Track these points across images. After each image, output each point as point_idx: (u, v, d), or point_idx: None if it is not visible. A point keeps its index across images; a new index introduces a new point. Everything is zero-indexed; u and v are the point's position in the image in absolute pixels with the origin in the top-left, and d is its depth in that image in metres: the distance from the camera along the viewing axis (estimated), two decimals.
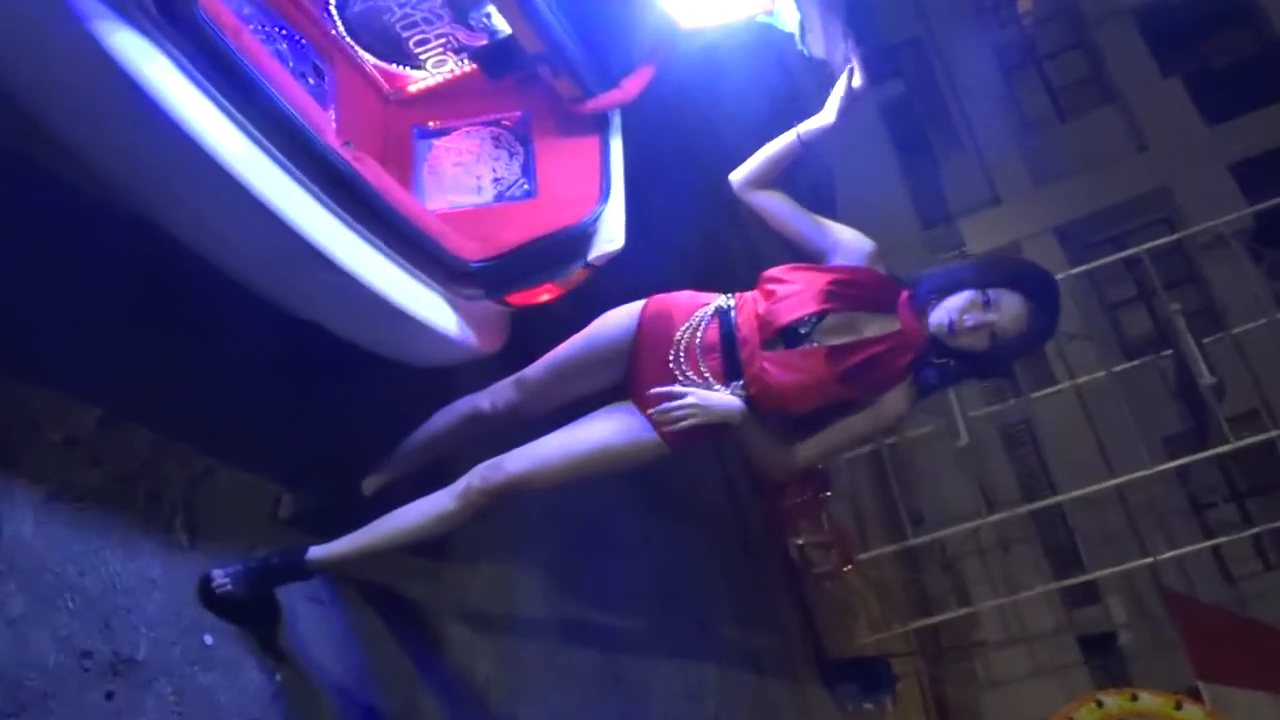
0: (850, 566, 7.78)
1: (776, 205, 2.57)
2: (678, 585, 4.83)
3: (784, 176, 2.57)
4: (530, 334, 2.87)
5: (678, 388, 2.42)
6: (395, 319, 2.43)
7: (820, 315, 2.41)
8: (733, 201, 2.62)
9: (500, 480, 2.38)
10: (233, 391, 2.52)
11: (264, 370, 2.63)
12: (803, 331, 2.40)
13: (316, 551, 2.37)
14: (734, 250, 7.93)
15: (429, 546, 3.00)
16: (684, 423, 2.38)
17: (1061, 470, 10.88)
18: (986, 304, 2.32)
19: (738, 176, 2.59)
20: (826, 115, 2.50)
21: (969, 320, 2.32)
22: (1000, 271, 2.38)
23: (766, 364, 2.40)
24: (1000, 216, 14.52)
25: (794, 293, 2.44)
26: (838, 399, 2.39)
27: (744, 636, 5.61)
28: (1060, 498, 9.56)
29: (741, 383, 2.42)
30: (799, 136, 2.52)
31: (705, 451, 5.98)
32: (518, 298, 2.75)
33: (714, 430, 2.43)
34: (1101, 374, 9.63)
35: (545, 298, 2.79)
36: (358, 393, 2.84)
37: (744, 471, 6.73)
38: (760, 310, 2.47)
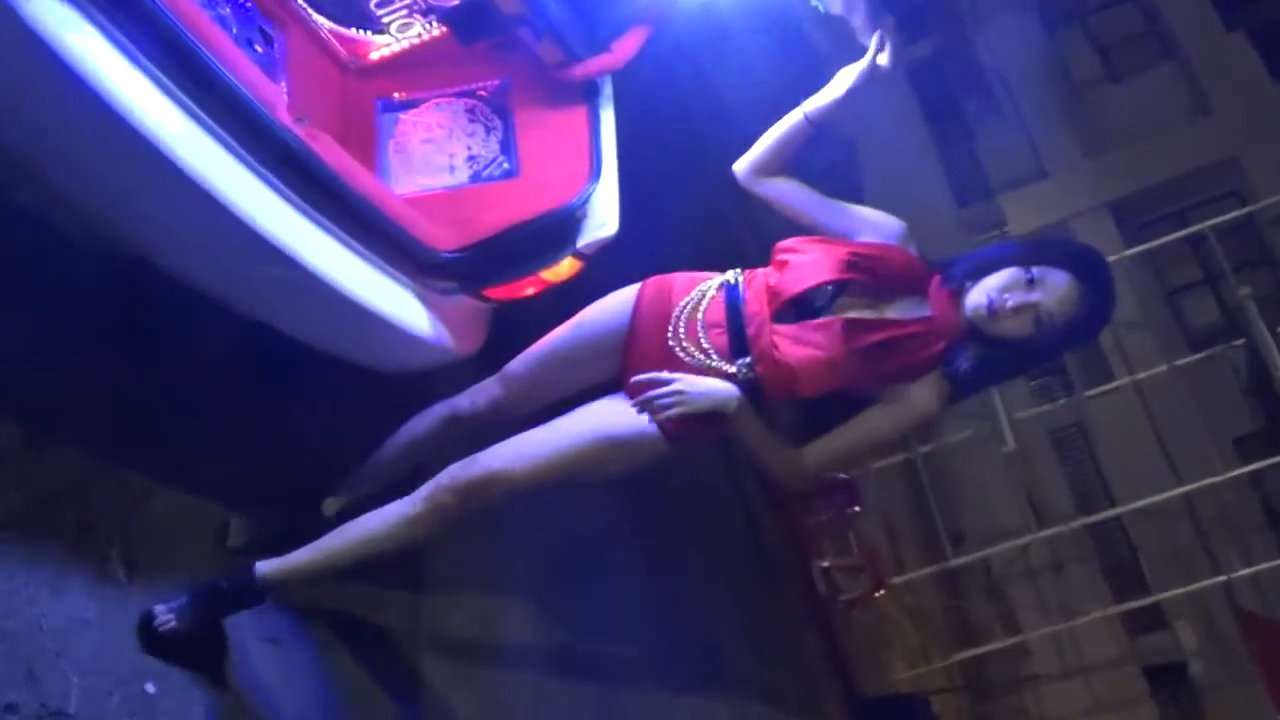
0: (882, 591, 7.77)
1: (788, 192, 2.57)
2: (684, 614, 4.82)
3: (797, 156, 2.56)
4: (513, 334, 2.86)
5: (665, 374, 2.40)
6: (358, 318, 2.42)
7: (839, 286, 2.39)
8: (740, 187, 2.62)
9: (472, 476, 2.35)
10: (174, 403, 2.51)
11: (210, 378, 2.62)
12: (818, 304, 2.39)
13: (266, 566, 2.34)
14: (743, 233, 7.92)
15: (402, 572, 3.01)
16: (669, 412, 2.36)
17: (1120, 479, 10.88)
18: (1030, 283, 2.30)
19: (742, 165, 2.60)
20: (836, 89, 2.50)
21: (1010, 301, 2.29)
22: (1046, 249, 2.37)
23: (776, 338, 2.39)
24: (1046, 192, 14.51)
25: (810, 261, 2.43)
26: (854, 382, 2.36)
27: (761, 672, 5.60)
28: (1120, 509, 9.56)
29: (748, 360, 2.40)
30: (806, 116, 2.52)
31: (715, 461, 5.97)
32: (498, 292, 2.74)
33: (716, 424, 2.42)
34: (1163, 368, 9.63)
35: (529, 292, 2.79)
36: (317, 403, 2.83)
37: (760, 484, 6.72)
38: (771, 281, 2.46)
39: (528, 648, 3.54)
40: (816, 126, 2.52)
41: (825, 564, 7.41)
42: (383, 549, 2.39)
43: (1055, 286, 2.30)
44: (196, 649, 2.29)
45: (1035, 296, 2.29)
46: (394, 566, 2.94)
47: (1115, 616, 10.77)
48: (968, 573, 10.72)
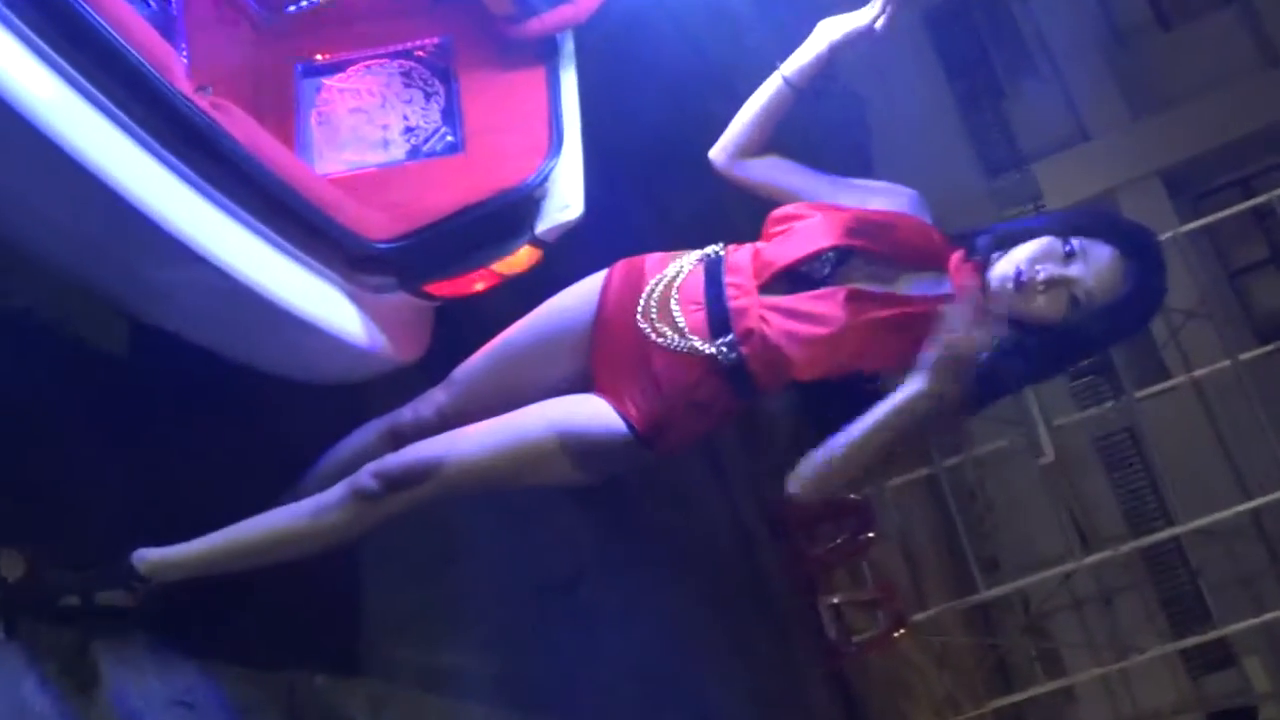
0: (903, 630, 7.77)
1: (776, 170, 2.59)
2: (670, 667, 4.81)
3: (781, 128, 2.57)
4: (461, 337, 2.85)
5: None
6: (275, 322, 2.41)
7: (842, 254, 2.38)
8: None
9: (402, 461, 2.36)
10: (37, 437, 2.47)
11: (85, 405, 2.59)
12: (818, 275, 2.39)
13: (149, 553, 2.34)
14: (736, 214, 7.91)
15: (335, 620, 2.99)
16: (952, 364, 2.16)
17: (1178, 493, 10.87)
18: (1069, 255, 2.29)
19: (720, 151, 2.64)
20: (818, 44, 2.51)
21: (1043, 273, 2.28)
22: (1089, 218, 2.36)
23: (766, 312, 2.37)
24: (1087, 158, 14.55)
25: (808, 228, 2.43)
26: (858, 364, 2.35)
27: None
28: (1178, 529, 9.58)
29: (730, 338, 2.38)
30: (786, 79, 2.53)
31: (704, 481, 5.96)
32: (442, 288, 2.74)
33: (699, 423, 2.40)
34: (1226, 363, 9.66)
35: (479, 287, 2.78)
36: (222, 425, 2.81)
37: (758, 508, 6.72)
38: (762, 252, 2.45)
39: (487, 712, 3.52)
40: (800, 90, 2.52)
41: (835, 600, 7.41)
42: (285, 544, 2.39)
43: (1097, 261, 2.29)
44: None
45: (1073, 271, 2.28)
46: (324, 614, 2.95)
47: (1175, 654, 10.80)
48: (1002, 606, 10.74)
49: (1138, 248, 2.32)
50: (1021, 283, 2.29)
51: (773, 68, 2.56)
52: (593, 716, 4.08)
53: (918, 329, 2.31)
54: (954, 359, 2.16)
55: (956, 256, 2.41)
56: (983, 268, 2.36)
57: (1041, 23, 15.43)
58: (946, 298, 2.37)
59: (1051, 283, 2.28)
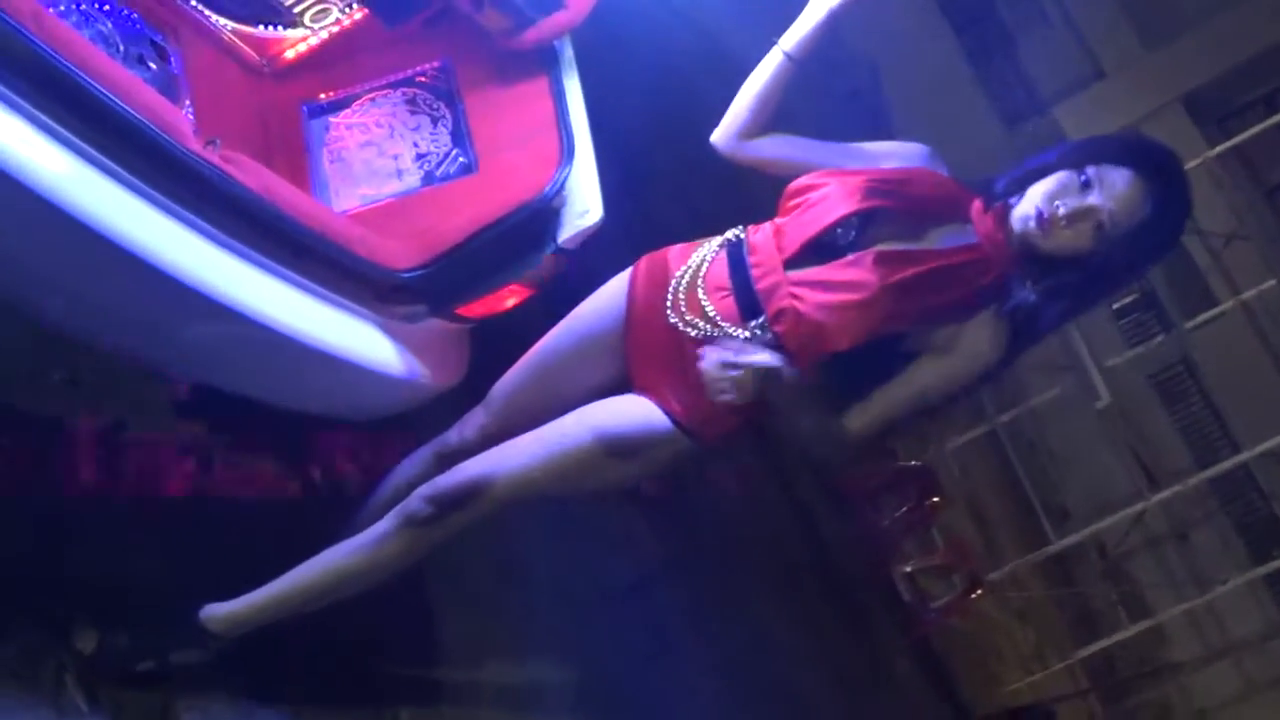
0: (980, 591, 7.73)
1: (782, 147, 2.58)
2: (752, 657, 4.80)
3: (784, 104, 2.56)
4: (498, 352, 2.85)
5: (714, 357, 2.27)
6: (312, 364, 2.42)
7: (865, 217, 2.38)
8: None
9: (452, 483, 2.38)
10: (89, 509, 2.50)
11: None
12: (843, 242, 2.38)
13: (216, 609, 2.36)
14: (762, 192, 7.89)
15: (410, 653, 3.00)
16: (723, 396, 2.26)
17: (1241, 419, 10.79)
18: (1085, 185, 2.28)
19: (723, 134, 2.62)
20: (816, 13, 2.49)
21: (1063, 208, 2.28)
22: (1100, 145, 2.36)
23: (795, 288, 2.37)
24: (1106, 94, 14.38)
25: (825, 196, 2.43)
26: (894, 326, 2.34)
27: (859, 709, 5.57)
28: (1244, 455, 9.50)
29: (762, 319, 2.38)
30: (787, 54, 2.52)
31: (760, 470, 5.95)
32: (473, 308, 2.74)
33: (742, 408, 2.39)
34: (1272, 282, 9.55)
35: (511, 303, 2.79)
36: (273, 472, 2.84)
37: (818, 488, 6.69)
38: (781, 226, 2.44)
39: None
40: (801, 64, 2.51)
41: (908, 569, 7.38)
42: (349, 579, 2.41)
43: (1114, 185, 2.28)
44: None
45: (1092, 199, 2.28)
46: (398, 647, 2.96)
47: (1258, 580, 10.68)
48: (1078, 555, 10.65)
49: (1155, 166, 2.31)
50: (1044, 220, 2.28)
51: (771, 43, 2.55)
52: (680, 716, 4.07)
53: (951, 280, 2.33)
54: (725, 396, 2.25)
55: (977, 205, 2.40)
56: (1004, 213, 2.36)
57: None
58: (974, 246, 2.36)
59: (1073, 216, 2.28)
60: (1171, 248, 2.40)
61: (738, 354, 2.26)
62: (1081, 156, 2.32)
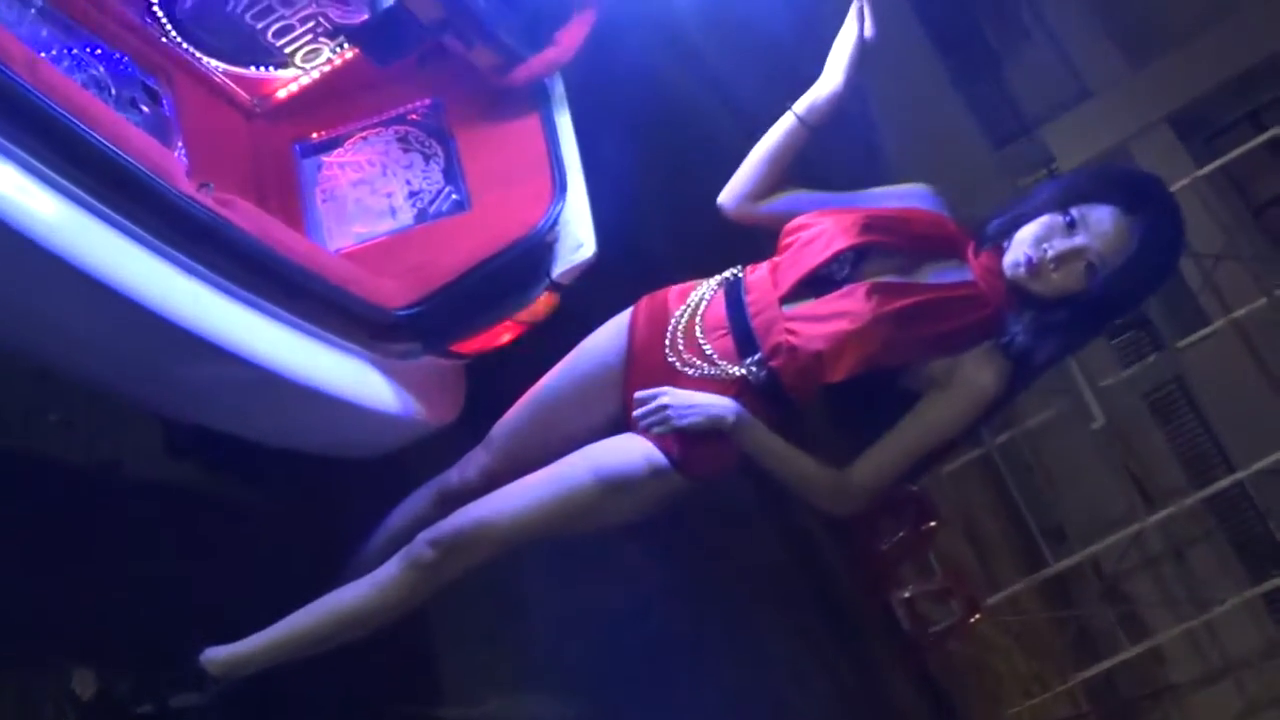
0: (978, 615, 7.73)
1: (792, 205, 2.59)
2: (753, 684, 4.79)
3: (794, 166, 2.58)
4: (498, 390, 2.85)
5: (650, 391, 2.42)
6: (307, 403, 2.42)
7: (860, 252, 2.40)
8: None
9: (455, 527, 2.37)
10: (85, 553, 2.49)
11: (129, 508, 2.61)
12: (839, 277, 2.40)
13: (216, 652, 2.36)
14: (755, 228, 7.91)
15: (413, 692, 2.99)
16: (656, 429, 2.38)
17: (1235, 437, 10.81)
18: (1070, 226, 2.30)
19: (729, 197, 2.64)
20: (831, 78, 2.52)
21: (1051, 251, 2.29)
22: (1081, 183, 2.37)
23: (790, 324, 2.39)
24: (1093, 115, 14.46)
25: (821, 233, 2.45)
26: (890, 358, 2.34)
27: None
28: (1240, 474, 9.49)
29: (758, 356, 2.40)
30: (798, 117, 2.54)
31: (757, 495, 5.95)
32: (468, 345, 2.74)
33: (730, 444, 2.41)
34: (1263, 301, 9.58)
35: (506, 339, 2.79)
36: (271, 511, 2.83)
37: (817, 514, 6.68)
38: (779, 265, 2.46)
39: None
40: (814, 129, 2.54)
41: (906, 594, 7.38)
42: (352, 623, 2.41)
43: (1099, 224, 2.29)
44: None
45: (1078, 240, 2.29)
46: (402, 685, 2.96)
47: (1257, 599, 10.68)
48: (1075, 576, 10.65)
49: (1140, 199, 2.31)
50: (1033, 265, 2.30)
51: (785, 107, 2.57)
52: None
53: (947, 312, 2.34)
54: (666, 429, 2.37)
55: (972, 247, 2.42)
56: (997, 256, 2.38)
57: None
58: (971, 284, 2.38)
59: (1061, 259, 2.29)
60: (1165, 278, 2.40)
61: (674, 401, 2.39)
62: (1065, 197, 2.33)
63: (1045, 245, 2.30)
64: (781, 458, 2.39)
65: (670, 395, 2.39)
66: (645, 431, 2.41)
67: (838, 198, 2.60)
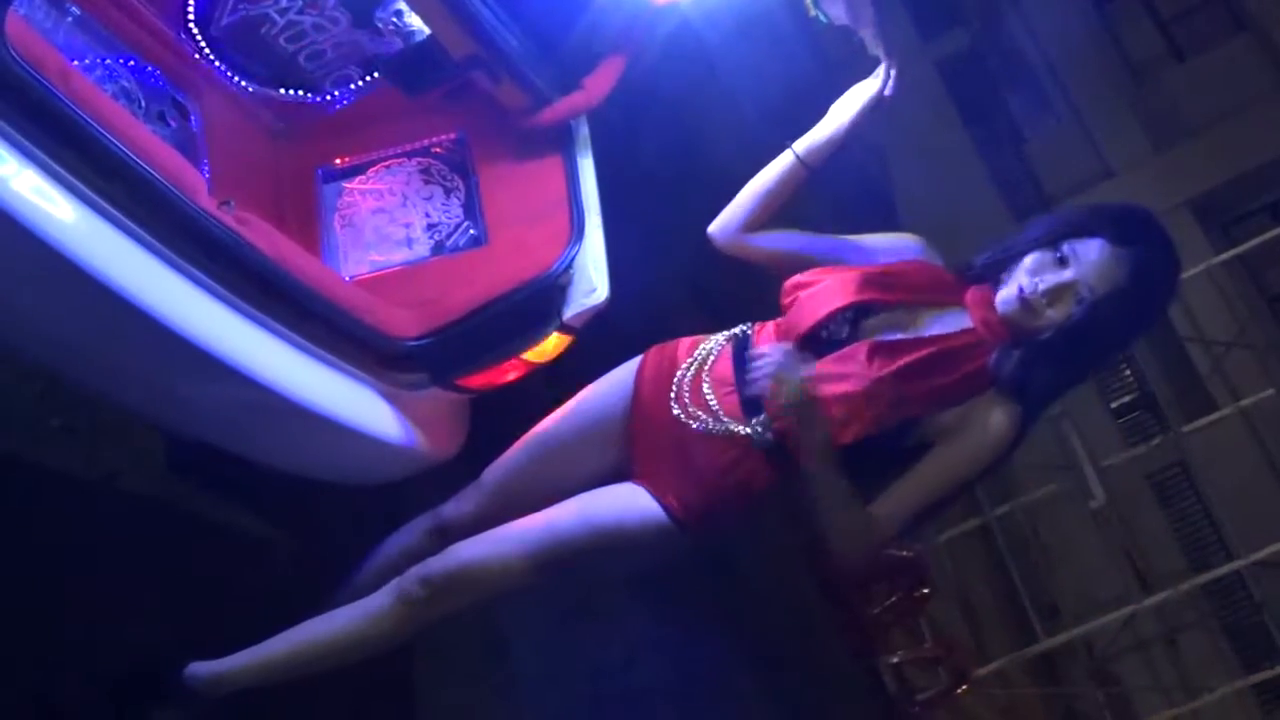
0: (966, 686, 7.68)
1: (781, 243, 2.59)
2: None
3: (788, 205, 2.58)
4: (498, 427, 2.85)
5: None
6: (310, 427, 2.42)
7: (859, 310, 2.39)
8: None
9: (445, 567, 2.37)
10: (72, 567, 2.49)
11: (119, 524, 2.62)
12: (840, 336, 2.39)
13: (200, 668, 2.35)
14: (772, 281, 7.92)
15: None
16: (761, 382, 2.30)
17: (1236, 525, 10.75)
18: (1060, 261, 2.31)
19: (720, 228, 2.63)
20: (833, 123, 2.53)
21: (1042, 284, 2.30)
22: (1072, 219, 2.38)
23: None
24: (1114, 194, 14.45)
25: (820, 291, 2.44)
26: (898, 414, 2.32)
27: None
28: (1238, 563, 9.45)
29: (764, 417, 2.39)
30: (798, 157, 2.54)
31: (747, 554, 5.93)
32: (475, 380, 2.74)
33: (740, 502, 2.40)
34: (1271, 391, 9.57)
35: (512, 377, 2.79)
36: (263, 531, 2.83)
37: (806, 573, 6.66)
38: (780, 322, 2.47)
39: None
40: (812, 169, 2.54)
41: (895, 659, 7.33)
42: (337, 649, 2.40)
43: (1088, 257, 2.30)
44: None
45: (1068, 275, 2.30)
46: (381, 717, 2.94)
47: (1247, 690, 10.61)
48: (1066, 654, 10.59)
49: (1130, 235, 2.32)
50: (1025, 300, 2.31)
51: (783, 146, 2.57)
52: None
53: (950, 362, 2.34)
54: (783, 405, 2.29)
55: (967, 291, 2.43)
56: (992, 289, 2.38)
57: (1054, 61, 15.46)
58: (970, 331, 2.39)
59: (1052, 293, 2.30)
60: (1157, 312, 2.42)
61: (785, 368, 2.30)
62: (1056, 233, 2.35)
63: (1037, 279, 2.31)
64: (836, 473, 2.32)
65: (779, 365, 2.31)
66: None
67: (828, 240, 2.59)
